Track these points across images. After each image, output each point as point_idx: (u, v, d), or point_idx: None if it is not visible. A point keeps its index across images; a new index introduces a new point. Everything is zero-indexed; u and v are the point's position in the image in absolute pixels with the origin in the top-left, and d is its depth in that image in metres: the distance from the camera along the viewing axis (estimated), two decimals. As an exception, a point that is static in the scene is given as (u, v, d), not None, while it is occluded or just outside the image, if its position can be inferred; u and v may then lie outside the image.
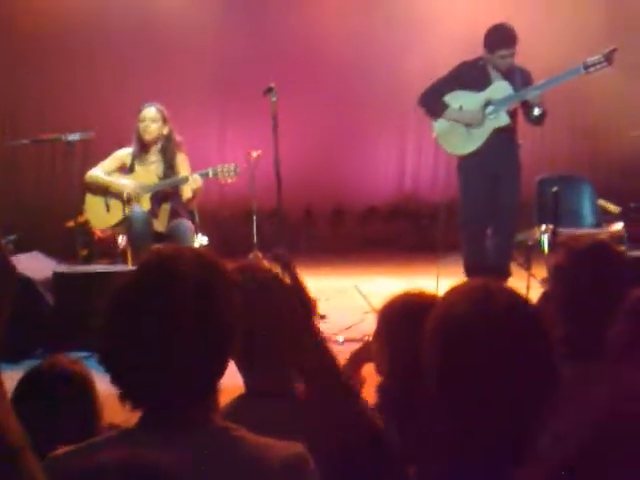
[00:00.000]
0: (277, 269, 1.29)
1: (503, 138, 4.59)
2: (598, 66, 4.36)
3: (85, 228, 5.08)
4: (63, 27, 6.60)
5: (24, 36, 6.63)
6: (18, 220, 6.34)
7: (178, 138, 4.79)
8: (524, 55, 4.63)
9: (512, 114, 4.61)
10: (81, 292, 3.82)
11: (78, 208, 4.95)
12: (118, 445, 1.13)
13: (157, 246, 1.22)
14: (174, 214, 4.77)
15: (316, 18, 6.78)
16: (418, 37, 6.76)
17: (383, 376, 1.68)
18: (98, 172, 4.76)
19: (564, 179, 5.44)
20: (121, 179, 4.74)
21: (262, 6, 6.86)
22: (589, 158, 7.06)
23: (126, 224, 4.64)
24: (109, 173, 4.77)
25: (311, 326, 1.25)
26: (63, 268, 4.34)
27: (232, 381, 1.31)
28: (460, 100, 4.62)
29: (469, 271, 4.65)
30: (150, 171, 4.74)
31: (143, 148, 4.73)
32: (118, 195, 4.72)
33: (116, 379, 1.12)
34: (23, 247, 5.10)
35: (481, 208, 4.61)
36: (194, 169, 4.75)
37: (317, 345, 1.24)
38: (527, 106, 4.55)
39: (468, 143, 4.62)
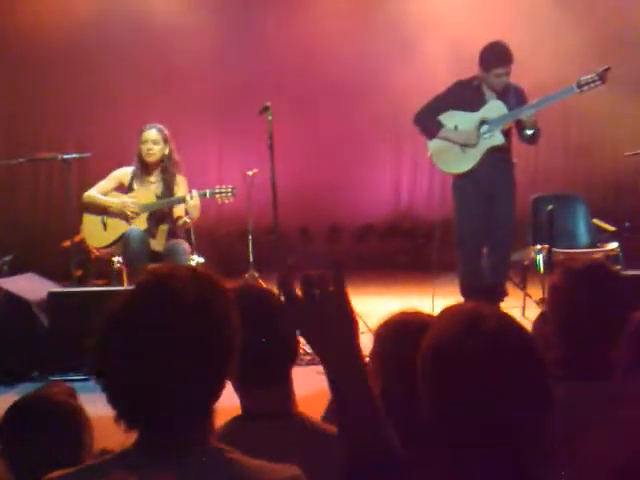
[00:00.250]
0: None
1: (498, 157, 4.61)
2: (592, 85, 4.38)
3: (81, 248, 5.07)
4: (60, 46, 6.62)
5: (19, 54, 6.66)
6: (14, 240, 6.34)
7: (177, 157, 4.81)
8: (514, 72, 4.66)
9: (507, 133, 4.64)
10: (76, 313, 3.80)
11: (74, 228, 4.95)
12: (114, 467, 1.12)
13: (154, 266, 1.21)
14: (171, 234, 4.77)
15: (312, 38, 6.83)
16: (414, 57, 6.80)
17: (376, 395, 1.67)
18: (95, 192, 4.77)
19: (559, 198, 5.46)
20: (118, 198, 4.74)
21: (259, 26, 6.91)
22: (584, 177, 7.10)
23: (123, 243, 4.62)
24: (106, 193, 4.77)
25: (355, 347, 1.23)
26: (58, 289, 4.33)
27: (228, 402, 1.31)
28: (455, 119, 4.64)
29: (465, 291, 4.65)
30: (149, 191, 4.75)
31: (144, 169, 4.75)
32: (116, 214, 4.72)
33: (112, 399, 1.12)
34: (18, 267, 5.10)
35: (476, 227, 4.62)
36: (191, 189, 4.76)
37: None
38: (521, 126, 4.58)
39: (463, 162, 4.64)
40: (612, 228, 5.43)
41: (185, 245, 4.70)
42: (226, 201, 4.73)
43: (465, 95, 4.60)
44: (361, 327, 4.25)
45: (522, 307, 4.99)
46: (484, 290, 4.57)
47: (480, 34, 5.96)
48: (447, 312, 1.23)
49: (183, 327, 1.10)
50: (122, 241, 4.63)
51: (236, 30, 6.90)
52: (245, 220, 5.44)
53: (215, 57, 6.87)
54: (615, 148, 7.00)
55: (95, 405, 1.61)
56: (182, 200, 4.65)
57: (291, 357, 1.55)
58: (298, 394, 1.57)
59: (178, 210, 4.76)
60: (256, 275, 5.18)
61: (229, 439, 1.21)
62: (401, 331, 1.60)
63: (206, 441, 1.15)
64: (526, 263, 5.15)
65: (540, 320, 1.77)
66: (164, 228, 4.75)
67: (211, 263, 5.10)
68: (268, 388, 1.50)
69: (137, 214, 4.67)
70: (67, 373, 3.60)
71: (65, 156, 4.89)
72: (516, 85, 4.63)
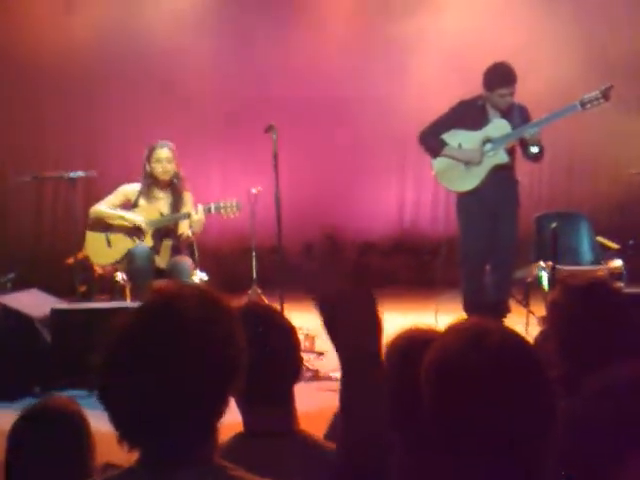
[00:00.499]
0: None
1: (502, 175, 4.63)
2: (595, 102, 4.40)
3: (85, 264, 5.08)
4: (64, 65, 6.67)
5: (24, 73, 6.70)
6: (18, 256, 6.36)
7: (183, 175, 4.85)
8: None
9: (510, 152, 4.65)
10: (79, 329, 3.81)
11: (78, 245, 4.96)
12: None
13: (159, 283, 1.21)
14: (175, 250, 4.78)
15: (315, 57, 6.87)
16: (417, 75, 6.84)
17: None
18: (103, 207, 4.79)
19: (562, 216, 5.46)
20: (127, 213, 4.76)
21: (263, 46, 6.95)
22: (587, 195, 7.10)
23: (128, 259, 4.63)
24: (113, 208, 4.79)
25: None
26: (61, 305, 4.33)
27: (230, 417, 1.30)
28: (459, 138, 4.66)
29: (468, 308, 4.65)
30: (155, 207, 4.77)
31: (154, 186, 4.77)
32: (121, 229, 4.73)
33: (114, 418, 1.11)
34: (22, 284, 5.11)
35: (480, 245, 4.62)
36: (196, 204, 4.78)
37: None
38: (525, 144, 4.59)
39: (467, 180, 4.65)
40: (616, 246, 5.43)
41: (188, 263, 4.70)
42: (231, 215, 4.75)
43: (469, 114, 4.63)
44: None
45: (525, 324, 4.97)
46: (487, 307, 4.57)
47: (481, 51, 6.03)
48: (452, 327, 1.23)
49: (188, 347, 1.10)
50: (127, 257, 4.64)
51: (238, 48, 6.95)
52: (248, 237, 5.45)
53: (218, 75, 6.91)
54: (619, 166, 7.00)
55: (97, 421, 1.61)
56: (187, 216, 4.67)
57: (294, 376, 1.55)
58: (299, 411, 1.57)
59: (182, 225, 4.78)
60: (259, 292, 5.18)
61: (232, 457, 1.21)
62: (406, 347, 1.60)
63: (210, 459, 1.15)
64: (529, 280, 5.14)
65: (541, 338, 1.76)
66: (168, 244, 4.76)
67: (214, 280, 5.11)
68: (271, 406, 1.50)
69: (146, 232, 4.69)
70: (69, 389, 3.60)
71: (71, 174, 4.91)
72: (520, 104, 4.65)
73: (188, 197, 4.85)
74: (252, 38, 6.98)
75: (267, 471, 1.16)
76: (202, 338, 1.11)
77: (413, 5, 6.91)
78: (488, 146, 4.61)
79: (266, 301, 5.00)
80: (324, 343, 4.71)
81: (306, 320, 5.22)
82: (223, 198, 4.86)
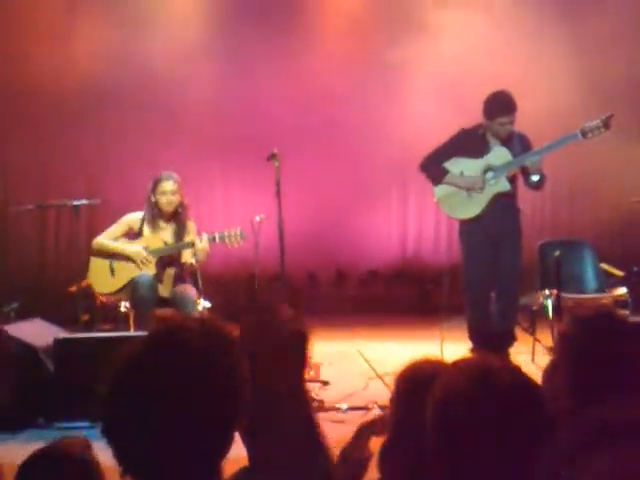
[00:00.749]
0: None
1: (504, 203, 4.64)
2: (596, 131, 4.42)
3: (87, 293, 5.07)
4: (68, 95, 6.73)
5: (28, 103, 6.75)
6: (21, 285, 6.35)
7: (187, 204, 4.87)
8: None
9: (512, 179, 4.67)
10: (82, 359, 3.79)
11: (81, 273, 4.96)
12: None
13: (163, 314, 1.21)
14: (178, 279, 4.78)
15: (317, 84, 6.93)
16: (420, 102, 6.88)
17: (387, 439, 1.66)
18: (105, 240, 4.80)
19: (566, 243, 5.46)
20: (130, 245, 4.77)
21: (264, 73, 7.01)
22: (589, 222, 7.10)
23: (131, 288, 4.63)
24: (116, 238, 4.80)
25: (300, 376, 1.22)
26: (64, 335, 4.32)
27: (235, 451, 1.29)
28: (460, 166, 4.68)
29: (474, 337, 4.63)
30: (158, 236, 4.78)
31: (159, 216, 4.79)
32: (124, 259, 4.74)
33: (117, 452, 1.10)
34: (25, 313, 5.10)
35: (483, 273, 4.62)
36: (200, 233, 4.79)
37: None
38: (526, 172, 4.61)
39: (469, 208, 4.66)
40: (620, 273, 5.42)
41: (192, 292, 4.70)
42: (235, 245, 4.75)
43: (470, 143, 4.65)
44: (369, 373, 4.24)
45: (531, 353, 4.95)
46: (493, 336, 4.54)
47: (479, 78, 6.09)
48: (459, 363, 1.23)
49: (191, 380, 1.10)
50: (131, 286, 4.64)
51: (238, 75, 7.01)
52: (252, 265, 5.44)
53: (219, 103, 6.95)
54: (621, 193, 7.01)
55: (100, 454, 1.59)
56: (191, 245, 4.68)
57: None
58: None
59: (186, 254, 4.78)
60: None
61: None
62: (413, 380, 1.60)
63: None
64: (535, 308, 5.12)
65: (550, 369, 1.75)
66: (171, 272, 4.76)
67: (218, 308, 5.10)
68: (273, 440, 1.48)
69: (148, 261, 4.70)
70: (73, 420, 3.58)
71: (74, 202, 4.93)
72: (520, 133, 4.68)
73: (192, 226, 4.87)
74: (253, 65, 7.04)
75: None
76: (205, 371, 1.10)
77: (413, 30, 6.98)
78: (490, 174, 4.63)
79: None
80: (329, 372, 4.70)
81: (310, 348, 5.23)
82: (227, 226, 4.87)
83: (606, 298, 5.14)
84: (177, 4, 7.07)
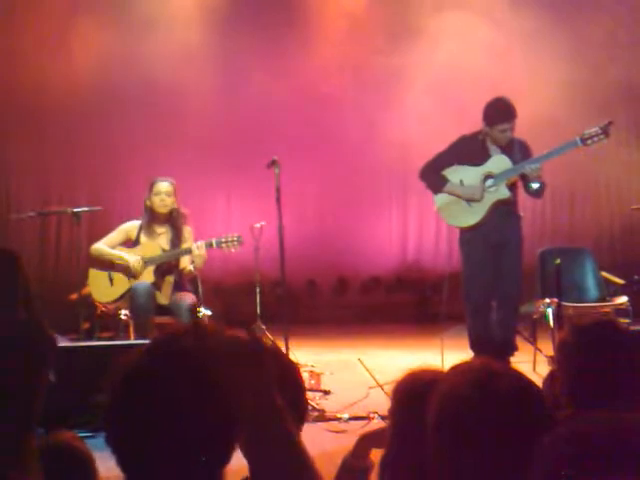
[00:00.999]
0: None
1: (504, 211, 4.64)
2: (595, 139, 4.43)
3: (88, 300, 5.07)
4: (70, 102, 6.74)
5: (30, 110, 6.77)
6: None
7: (184, 210, 4.87)
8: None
9: (512, 187, 4.67)
10: (82, 368, 3.78)
11: (82, 281, 4.97)
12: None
13: (163, 322, 1.22)
14: (177, 286, 4.77)
15: (318, 91, 6.94)
16: (420, 107, 6.88)
17: (386, 450, 1.66)
18: (102, 246, 4.80)
19: (566, 251, 5.45)
20: (125, 253, 4.77)
21: (265, 80, 7.03)
22: (590, 230, 7.11)
23: (129, 297, 4.64)
24: (114, 246, 4.81)
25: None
26: (64, 343, 4.31)
27: (236, 462, 1.29)
28: (460, 174, 4.68)
29: (475, 346, 4.61)
30: (156, 243, 4.78)
31: (154, 220, 4.80)
32: (122, 269, 4.75)
33: (121, 462, 1.10)
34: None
35: (484, 281, 4.61)
36: (198, 240, 4.79)
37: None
38: (525, 179, 4.61)
39: (469, 216, 4.66)
40: (621, 281, 5.41)
41: (192, 298, 4.70)
42: (232, 250, 4.75)
43: (469, 150, 4.66)
44: (370, 382, 4.21)
45: (532, 362, 4.94)
46: (494, 345, 4.53)
47: (478, 85, 6.10)
48: (460, 367, 1.23)
49: (191, 392, 1.10)
50: (129, 295, 4.65)
51: (239, 83, 7.02)
52: (252, 272, 5.45)
53: (219, 110, 6.97)
54: (622, 201, 7.03)
55: (103, 463, 1.59)
56: (189, 251, 4.68)
57: (300, 419, 1.53)
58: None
59: (184, 261, 4.78)
60: (263, 327, 5.16)
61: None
62: (412, 389, 1.59)
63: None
64: (535, 317, 5.12)
65: (549, 379, 1.75)
66: (170, 280, 4.76)
67: (218, 315, 5.10)
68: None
69: (140, 273, 4.70)
70: (73, 429, 3.56)
71: (75, 209, 4.94)
72: (520, 139, 4.68)
73: (188, 232, 4.86)
74: (253, 72, 7.05)
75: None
76: (205, 382, 1.10)
77: (413, 35, 7.00)
78: (489, 181, 4.63)
79: (270, 338, 4.98)
80: (330, 381, 4.69)
81: (311, 357, 5.22)
82: (227, 233, 4.87)
83: (607, 307, 5.13)
84: (178, 8, 7.10)
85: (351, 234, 7.21)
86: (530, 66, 6.90)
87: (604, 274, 5.45)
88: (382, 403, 3.85)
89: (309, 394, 4.16)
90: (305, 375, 4.42)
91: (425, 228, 7.42)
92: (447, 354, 4.60)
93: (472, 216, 4.65)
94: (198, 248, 4.62)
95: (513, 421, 1.11)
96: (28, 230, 6.91)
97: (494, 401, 1.12)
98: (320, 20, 7.22)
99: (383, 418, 3.65)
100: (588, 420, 0.94)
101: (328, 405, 4.22)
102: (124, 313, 4.73)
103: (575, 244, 6.27)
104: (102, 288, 4.79)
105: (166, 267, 4.77)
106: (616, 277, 5.44)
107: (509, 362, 4.50)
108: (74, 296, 5.19)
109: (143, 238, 4.81)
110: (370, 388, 4.44)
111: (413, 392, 1.57)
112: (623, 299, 5.12)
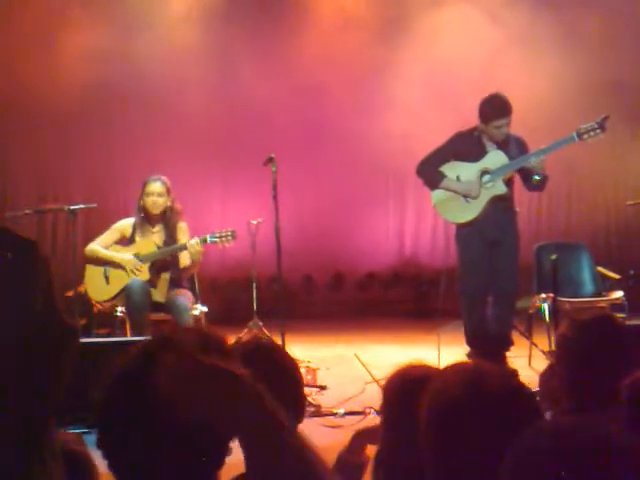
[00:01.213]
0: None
1: (500, 206, 4.64)
2: (592, 133, 4.43)
3: (84, 298, 5.07)
4: (67, 103, 6.72)
5: (27, 110, 6.74)
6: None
7: (178, 207, 4.86)
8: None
9: (508, 182, 4.67)
10: (79, 365, 3.77)
11: (78, 278, 4.96)
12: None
13: (159, 320, 1.21)
14: (173, 283, 4.77)
15: (315, 89, 6.94)
16: (417, 104, 6.89)
17: (380, 447, 1.66)
18: (97, 246, 4.80)
19: (562, 246, 5.46)
20: (121, 252, 4.77)
21: (262, 77, 7.02)
22: (586, 225, 7.12)
23: (124, 295, 4.64)
24: (108, 246, 4.80)
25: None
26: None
27: (232, 457, 1.29)
28: (457, 170, 4.68)
29: (471, 341, 4.62)
30: (150, 241, 4.78)
31: (147, 220, 4.79)
32: (118, 267, 4.74)
33: (113, 464, 1.10)
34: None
35: (480, 276, 4.62)
36: (193, 236, 4.79)
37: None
38: (527, 173, 4.60)
39: (466, 212, 4.66)
40: (617, 276, 5.43)
41: (187, 297, 4.69)
42: (227, 244, 4.74)
43: (465, 146, 4.66)
44: (366, 377, 4.22)
45: (528, 356, 4.95)
46: (490, 340, 4.54)
47: (474, 81, 6.10)
48: (452, 368, 1.24)
49: (185, 392, 1.09)
50: (124, 293, 4.65)
51: (241, 83, 7.02)
52: (249, 269, 5.45)
53: (216, 108, 6.96)
54: (618, 196, 7.04)
55: (98, 462, 1.59)
56: (184, 247, 4.67)
57: (297, 415, 1.53)
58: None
59: (183, 257, 4.77)
60: (260, 324, 5.17)
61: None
62: (403, 385, 1.60)
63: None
64: (531, 312, 5.13)
65: (547, 374, 1.76)
66: (166, 277, 4.76)
67: (215, 312, 5.10)
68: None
69: (139, 270, 4.69)
70: (69, 426, 3.56)
71: (71, 207, 4.93)
72: (517, 135, 4.68)
73: (183, 228, 4.85)
74: (249, 69, 7.04)
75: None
76: (201, 379, 1.10)
77: (411, 31, 7.01)
78: (486, 177, 4.63)
79: (267, 334, 4.98)
80: (326, 376, 4.70)
81: (308, 353, 5.23)
82: (220, 229, 4.86)
83: (603, 301, 5.15)
84: (174, 6, 7.08)
85: (348, 230, 7.21)
86: (525, 60, 6.90)
87: (600, 269, 5.46)
88: (378, 398, 3.85)
89: (305, 390, 4.17)
90: (302, 371, 4.42)
91: (422, 224, 7.42)
92: (444, 349, 4.61)
93: (469, 212, 4.65)
94: (194, 245, 4.62)
95: (503, 421, 1.12)
96: (24, 227, 6.89)
97: (484, 401, 1.14)
98: (317, 16, 7.21)
99: (379, 413, 3.66)
100: (572, 424, 0.94)
101: (324, 400, 4.23)
102: (120, 310, 4.73)
103: (571, 239, 6.27)
104: (98, 286, 4.78)
105: (161, 264, 4.76)
106: (612, 272, 5.46)
107: (505, 357, 4.51)
108: (70, 293, 5.19)
109: (137, 237, 4.80)
110: (366, 383, 4.45)
111: (403, 388, 1.58)
112: (619, 294, 5.14)
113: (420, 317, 6.62)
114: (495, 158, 4.61)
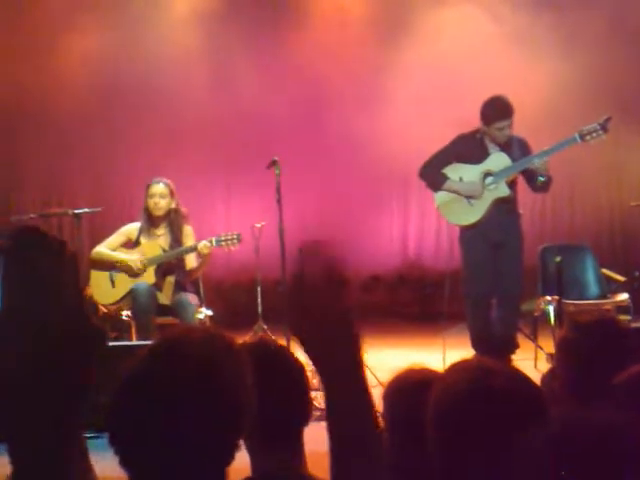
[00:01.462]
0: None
1: (504, 208, 4.64)
2: (594, 134, 4.43)
3: (90, 301, 5.08)
4: (70, 105, 6.74)
5: (31, 113, 6.77)
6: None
7: (184, 210, 4.87)
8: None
9: (512, 184, 4.67)
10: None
11: (83, 282, 4.97)
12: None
13: (165, 323, 1.23)
14: (179, 287, 4.78)
15: (318, 91, 6.94)
16: (420, 107, 6.88)
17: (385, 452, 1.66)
18: (103, 249, 4.81)
19: (567, 248, 5.46)
20: (126, 254, 4.78)
21: (265, 81, 7.03)
22: (590, 227, 7.10)
23: (130, 298, 4.65)
24: (114, 249, 4.82)
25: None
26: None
27: (239, 460, 1.29)
28: (459, 172, 4.69)
29: (476, 343, 4.62)
30: (156, 244, 4.79)
31: (152, 222, 4.81)
32: (124, 270, 4.75)
33: (124, 463, 1.11)
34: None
35: (484, 279, 4.62)
36: (199, 240, 4.80)
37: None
38: (532, 174, 4.60)
39: (469, 214, 4.66)
40: (621, 278, 5.41)
41: (193, 298, 4.71)
42: (232, 247, 4.75)
43: (468, 148, 4.66)
44: (371, 380, 4.22)
45: (534, 359, 4.94)
46: (495, 343, 4.54)
47: (477, 82, 6.10)
48: (457, 366, 1.24)
49: (193, 392, 1.11)
50: (130, 296, 4.66)
51: (245, 87, 7.03)
52: (253, 272, 5.46)
53: (220, 111, 6.96)
54: (622, 197, 7.02)
55: (106, 465, 1.60)
56: (193, 249, 4.68)
57: (304, 418, 1.54)
58: (307, 451, 1.56)
59: (190, 261, 4.77)
60: (264, 327, 5.17)
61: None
62: (403, 389, 1.60)
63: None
64: (536, 314, 5.12)
65: (548, 376, 1.76)
66: (171, 280, 4.77)
67: (219, 315, 5.10)
68: (279, 449, 1.49)
69: (144, 270, 4.70)
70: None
71: (76, 211, 4.94)
72: (519, 137, 4.68)
73: (189, 231, 4.86)
74: (253, 72, 7.05)
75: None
76: (207, 383, 1.11)
77: (414, 33, 7.01)
78: (489, 179, 4.63)
79: (272, 337, 4.99)
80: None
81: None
82: (226, 232, 4.87)
83: (608, 304, 5.14)
84: (176, 8, 7.10)
85: (352, 232, 7.20)
86: (527, 60, 6.89)
87: (605, 271, 5.45)
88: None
89: (312, 393, 4.17)
90: (308, 374, 4.42)
91: (426, 226, 7.42)
92: (449, 352, 4.61)
93: (472, 214, 4.65)
94: (204, 248, 4.62)
95: (508, 419, 1.12)
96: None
97: (489, 398, 1.13)
98: (318, 17, 7.22)
99: (382, 416, 3.66)
100: (581, 419, 0.95)
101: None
102: (126, 314, 4.74)
103: (575, 241, 6.26)
104: (103, 290, 4.80)
105: (167, 267, 4.78)
106: (616, 274, 5.45)
107: (510, 360, 4.51)
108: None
109: (143, 240, 4.81)
110: (371, 387, 4.45)
111: (403, 392, 1.58)
112: (624, 296, 5.13)
113: (425, 320, 6.61)
114: (498, 160, 4.61)
